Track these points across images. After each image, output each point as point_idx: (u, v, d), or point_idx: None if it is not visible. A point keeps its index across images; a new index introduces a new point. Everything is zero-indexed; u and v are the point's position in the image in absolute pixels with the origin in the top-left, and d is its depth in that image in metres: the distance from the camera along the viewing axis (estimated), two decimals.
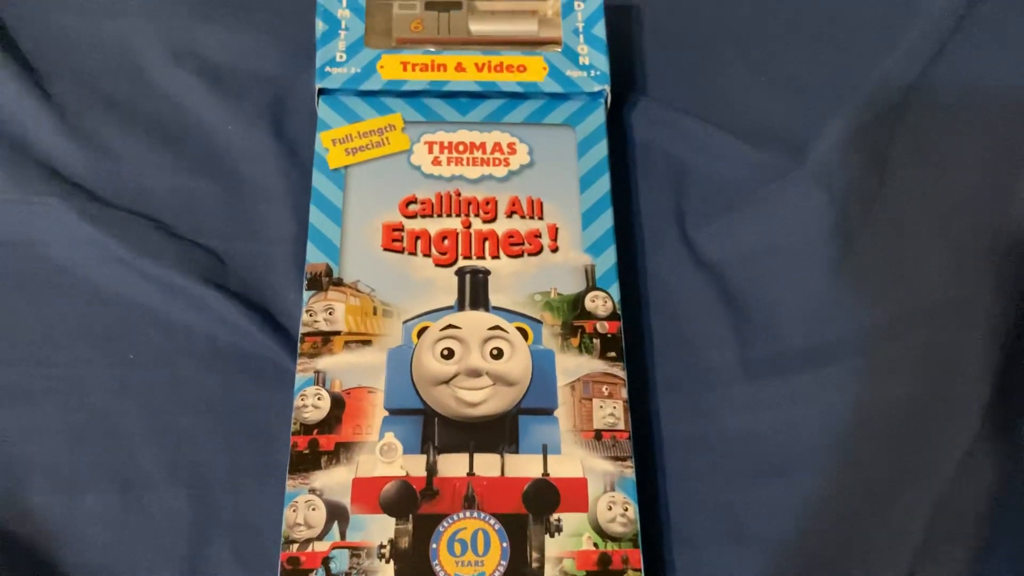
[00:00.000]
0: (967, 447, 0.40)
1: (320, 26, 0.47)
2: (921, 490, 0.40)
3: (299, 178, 0.47)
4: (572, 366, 0.40)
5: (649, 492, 0.40)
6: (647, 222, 0.47)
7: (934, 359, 0.43)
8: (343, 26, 0.47)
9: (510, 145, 0.46)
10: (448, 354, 0.40)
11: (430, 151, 0.45)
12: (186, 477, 0.40)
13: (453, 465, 0.38)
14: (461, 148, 0.45)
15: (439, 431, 0.39)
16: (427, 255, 0.43)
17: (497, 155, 0.45)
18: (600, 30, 0.48)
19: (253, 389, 0.42)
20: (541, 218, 0.44)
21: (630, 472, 0.38)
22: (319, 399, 0.39)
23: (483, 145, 0.46)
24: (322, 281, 0.42)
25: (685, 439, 0.42)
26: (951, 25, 0.52)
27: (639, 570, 0.36)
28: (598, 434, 0.39)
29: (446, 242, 0.43)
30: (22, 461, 0.40)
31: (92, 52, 0.50)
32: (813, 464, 0.41)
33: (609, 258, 0.43)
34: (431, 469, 0.38)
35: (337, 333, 0.41)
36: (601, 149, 0.46)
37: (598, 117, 0.47)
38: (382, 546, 0.36)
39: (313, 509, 0.37)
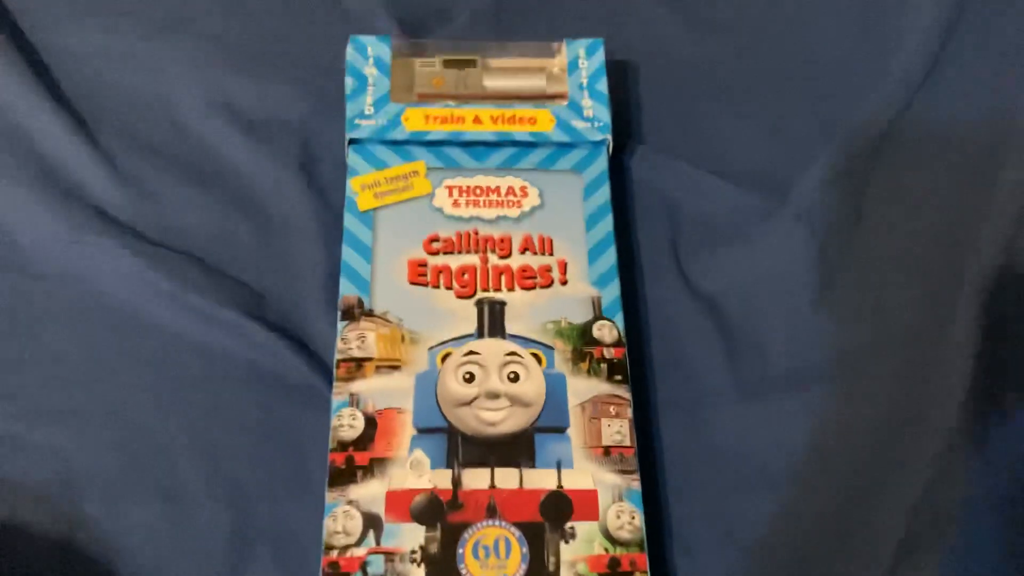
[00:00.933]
0: (940, 456, 0.44)
1: (350, 82, 0.52)
2: (898, 497, 0.44)
3: (328, 219, 0.51)
4: (582, 388, 0.44)
5: (652, 501, 0.44)
6: (646, 257, 0.52)
7: (908, 380, 0.47)
8: (370, 82, 0.52)
9: (522, 189, 0.50)
10: (469, 378, 0.44)
11: (450, 194, 0.50)
12: (226, 491, 0.44)
13: (476, 478, 0.42)
14: (478, 192, 0.50)
15: (463, 448, 0.43)
16: (449, 288, 0.47)
17: (511, 198, 0.50)
18: (603, 85, 0.53)
19: (289, 410, 0.46)
20: (551, 254, 0.48)
21: (636, 484, 0.42)
22: (354, 419, 0.43)
23: (498, 189, 0.50)
24: (355, 312, 0.46)
25: (684, 454, 0.46)
26: (925, 65, 0.57)
27: (645, 572, 0.40)
28: (607, 450, 0.43)
29: (466, 276, 0.47)
30: (76, 475, 0.44)
31: (135, 105, 0.55)
32: (798, 476, 0.45)
33: (613, 290, 0.47)
34: (456, 482, 0.42)
35: (369, 359, 0.45)
36: (604, 192, 0.51)
37: (601, 163, 0.52)
38: (413, 552, 0.40)
39: (351, 518, 0.41)
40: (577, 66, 0.54)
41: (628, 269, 0.51)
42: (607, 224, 0.49)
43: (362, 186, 0.50)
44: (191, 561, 0.42)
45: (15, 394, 0.46)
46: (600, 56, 0.54)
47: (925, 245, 0.51)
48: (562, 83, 0.54)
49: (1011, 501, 0.43)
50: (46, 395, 0.46)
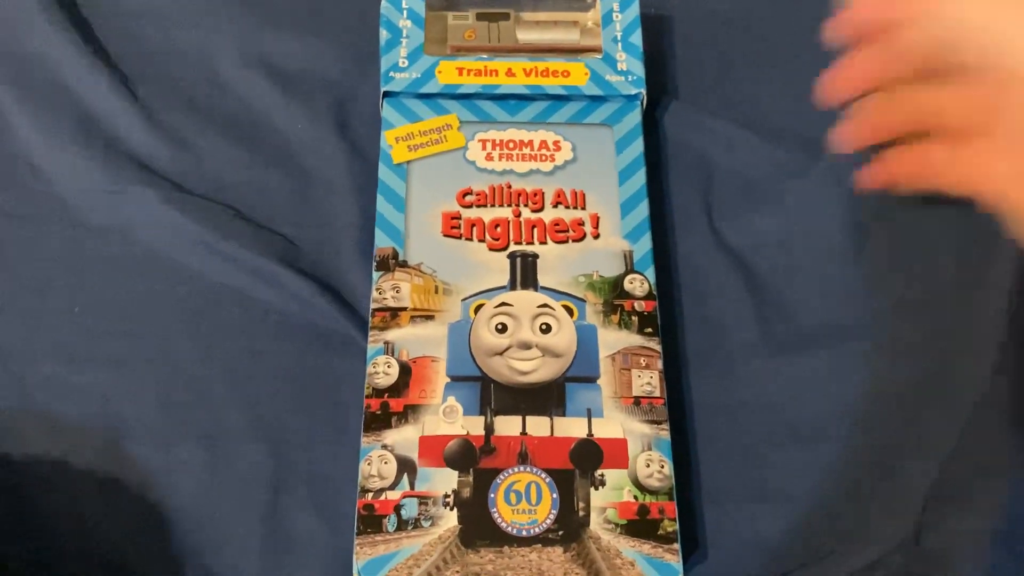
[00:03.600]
0: (969, 418, 0.44)
1: (384, 35, 0.52)
2: (927, 453, 0.44)
3: (361, 172, 0.51)
4: (613, 340, 0.45)
5: (682, 452, 0.45)
6: (678, 212, 0.51)
7: (940, 340, 0.47)
8: (404, 35, 0.52)
9: (555, 143, 0.50)
10: (502, 328, 0.45)
11: (483, 148, 0.50)
12: (265, 434, 0.45)
13: (508, 426, 0.43)
14: (511, 145, 0.50)
15: (495, 396, 0.43)
16: (482, 240, 0.47)
17: (544, 151, 0.50)
18: (637, 38, 0.53)
19: (324, 358, 0.47)
20: (584, 208, 0.49)
21: (665, 434, 0.43)
22: (389, 367, 0.44)
23: (531, 142, 0.50)
24: (389, 263, 0.47)
25: (713, 406, 0.46)
26: None
27: (674, 519, 0.41)
28: (636, 400, 0.44)
29: (499, 229, 0.48)
30: (121, 418, 0.45)
31: (173, 59, 0.56)
32: (827, 432, 0.45)
33: (645, 244, 0.48)
34: (489, 428, 0.42)
35: (403, 309, 0.45)
36: (637, 146, 0.50)
37: (634, 117, 0.51)
38: (446, 496, 0.41)
39: (385, 463, 0.42)
40: (611, 19, 0.54)
41: (660, 223, 0.51)
42: (640, 178, 0.49)
43: (396, 139, 0.50)
44: (231, 501, 0.44)
45: (63, 340, 0.47)
46: (635, 9, 0.54)
47: (960, 205, 0.50)
48: (596, 36, 0.53)
49: None
50: (92, 342, 0.47)
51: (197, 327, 0.48)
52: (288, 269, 0.48)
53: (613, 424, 0.43)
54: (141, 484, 0.44)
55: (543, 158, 0.50)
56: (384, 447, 0.42)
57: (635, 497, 0.41)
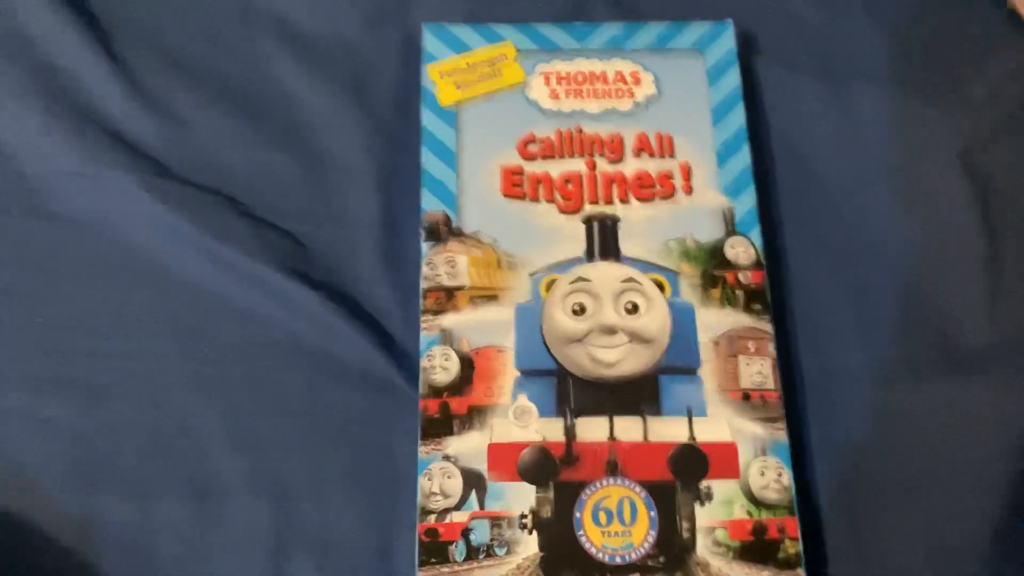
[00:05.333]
0: None
1: None
2: None
3: (383, 154, 0.43)
4: (714, 320, 0.38)
5: (801, 457, 0.38)
6: (783, 159, 0.43)
7: None
8: None
9: (633, 74, 0.42)
10: (580, 309, 0.37)
11: (547, 83, 0.41)
12: (266, 485, 0.38)
13: (592, 429, 0.36)
14: (580, 79, 0.42)
15: (575, 392, 0.36)
16: (550, 201, 0.39)
17: (620, 86, 0.41)
18: None
19: (341, 391, 0.39)
20: (672, 156, 0.40)
21: (782, 435, 0.36)
22: (447, 359, 0.37)
23: (604, 75, 0.42)
24: (440, 231, 0.39)
25: (834, 401, 0.39)
26: None
27: (796, 539, 0.34)
28: (746, 394, 0.36)
29: (570, 186, 0.40)
30: (98, 462, 0.38)
31: (162, 8, 0.46)
32: (960, 480, 0.38)
33: (748, 199, 0.40)
34: (570, 433, 0.36)
35: (461, 288, 0.38)
36: (733, 76, 0.42)
37: (727, 40, 0.43)
38: (523, 516, 0.35)
39: (449, 477, 0.35)
40: None
41: (767, 174, 0.42)
42: (738, 116, 0.41)
43: (441, 74, 0.41)
44: (223, 565, 0.36)
45: (26, 360, 0.39)
46: None
47: None
48: None
49: None
50: (60, 362, 0.39)
51: (184, 348, 0.39)
52: (295, 278, 0.40)
53: (719, 424, 0.36)
54: (118, 544, 0.36)
55: (620, 94, 0.41)
56: (446, 458, 0.35)
57: (749, 513, 0.35)
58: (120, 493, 0.37)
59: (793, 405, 0.39)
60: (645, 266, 0.38)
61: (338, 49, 0.45)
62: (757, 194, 0.40)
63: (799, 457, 0.38)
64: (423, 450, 0.36)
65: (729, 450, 0.36)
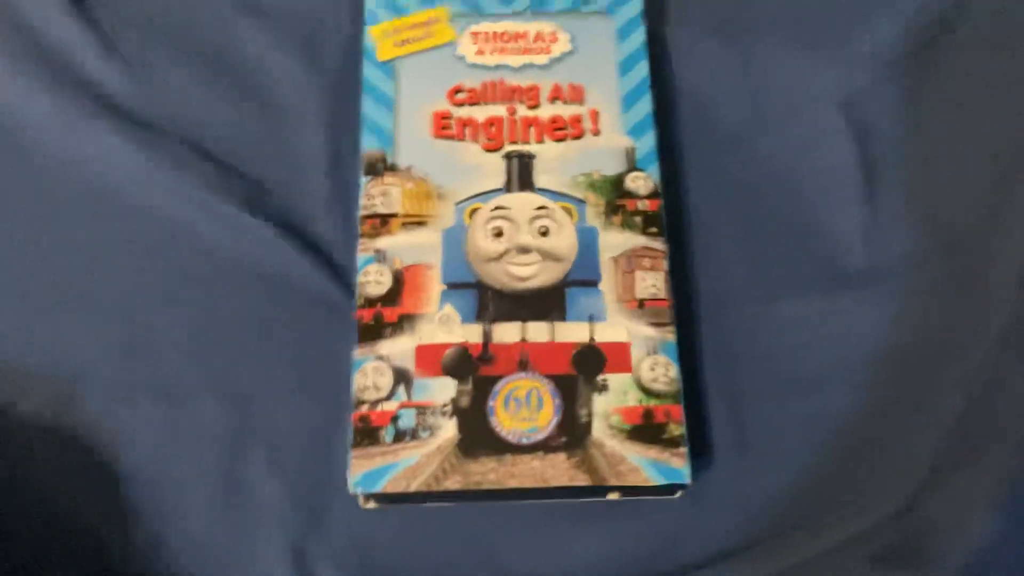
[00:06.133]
0: (983, 378, 0.41)
1: None
2: (933, 417, 0.41)
3: (330, 102, 0.48)
4: (615, 242, 0.43)
5: (689, 356, 0.43)
6: (685, 106, 0.48)
7: (956, 290, 0.44)
8: None
9: (551, 34, 0.47)
10: (499, 233, 0.43)
11: (475, 41, 0.47)
12: (225, 390, 0.42)
13: (507, 333, 0.41)
14: (504, 38, 0.47)
15: (493, 302, 0.42)
16: (475, 141, 0.45)
17: (539, 44, 0.47)
18: None
19: (291, 310, 0.44)
20: (583, 103, 0.46)
21: (671, 337, 0.41)
22: (381, 275, 0.42)
23: (525, 34, 0.47)
24: (378, 167, 0.44)
25: (724, 312, 0.44)
26: None
27: (680, 423, 0.39)
28: (640, 303, 0.42)
29: (493, 128, 0.45)
30: (78, 367, 0.43)
31: None
32: (836, 382, 0.42)
33: (649, 140, 0.45)
34: (487, 336, 0.41)
35: (394, 215, 0.43)
36: (639, 36, 0.47)
37: (636, 5, 0.48)
38: (444, 405, 0.40)
39: (381, 374, 0.40)
40: None
41: (664, 120, 0.47)
42: (642, 69, 0.46)
43: (382, 34, 0.47)
44: (188, 459, 0.41)
45: (18, 285, 0.44)
46: None
47: (981, 142, 0.47)
48: None
49: None
50: (49, 287, 0.44)
51: (157, 274, 0.45)
52: (254, 213, 0.45)
53: (616, 328, 0.41)
54: (95, 438, 0.41)
55: (539, 51, 0.47)
56: (379, 358, 0.40)
57: (640, 401, 0.40)
58: (96, 396, 0.42)
59: (688, 315, 0.44)
60: (556, 196, 0.44)
61: (292, 12, 0.50)
62: (657, 136, 0.45)
63: (691, 360, 0.43)
64: (359, 352, 0.41)
65: (624, 349, 0.41)
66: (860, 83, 0.48)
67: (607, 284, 0.42)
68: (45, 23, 0.49)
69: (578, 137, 0.45)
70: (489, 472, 0.38)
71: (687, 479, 0.39)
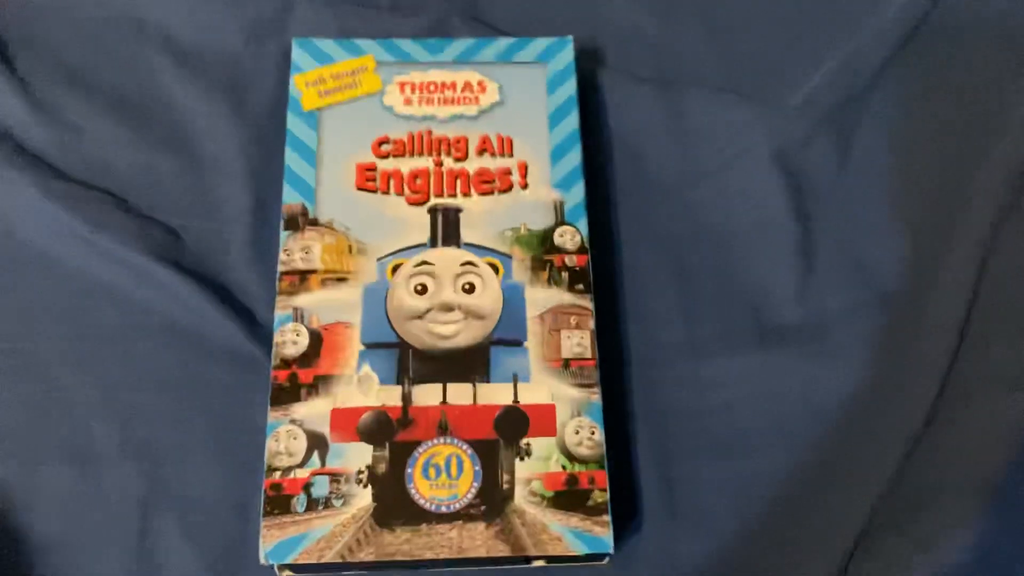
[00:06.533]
0: (913, 437, 0.41)
1: None
2: (864, 480, 0.40)
3: (257, 155, 0.46)
4: (541, 298, 0.42)
5: (615, 419, 0.42)
6: (618, 160, 0.48)
7: (888, 348, 0.43)
8: None
9: (480, 83, 0.46)
10: (422, 289, 0.41)
11: (402, 91, 0.46)
12: (138, 452, 0.41)
13: (428, 395, 0.40)
14: (432, 88, 0.46)
15: (414, 363, 0.40)
16: (400, 194, 0.44)
17: (468, 94, 0.46)
18: None
19: (206, 367, 0.42)
20: (511, 155, 0.45)
21: (596, 398, 0.40)
22: (298, 334, 0.41)
23: (454, 84, 0.46)
24: (298, 221, 0.43)
25: (655, 370, 0.43)
26: (917, 15, 0.50)
27: (605, 489, 0.38)
28: (566, 363, 0.40)
29: (418, 181, 0.44)
30: None
31: (58, 23, 0.50)
32: (767, 443, 0.42)
33: (578, 193, 0.44)
34: (406, 399, 0.39)
35: (314, 271, 0.42)
36: (570, 86, 0.46)
37: (567, 55, 0.47)
38: (360, 472, 0.38)
39: (294, 439, 0.39)
40: None
41: (596, 171, 0.47)
42: (572, 121, 0.46)
43: (306, 83, 0.46)
44: (98, 524, 0.40)
45: None
46: None
47: (915, 194, 0.46)
48: None
49: (980, 490, 0.39)
50: None
51: (69, 330, 0.43)
52: (171, 267, 0.43)
53: (541, 389, 0.40)
54: (1, 504, 0.40)
55: (467, 101, 0.46)
56: (292, 422, 0.39)
57: (563, 467, 0.38)
58: (4, 458, 0.40)
59: (617, 374, 0.43)
60: (482, 251, 0.43)
61: (220, 62, 0.49)
62: (586, 189, 0.44)
63: (621, 421, 0.42)
64: (272, 415, 0.39)
65: (548, 411, 0.39)
66: (794, 134, 0.48)
67: (532, 342, 0.41)
68: None
69: (506, 190, 0.44)
70: (404, 543, 0.37)
71: (610, 548, 0.37)
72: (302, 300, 0.41)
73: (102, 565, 0.39)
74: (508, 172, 0.44)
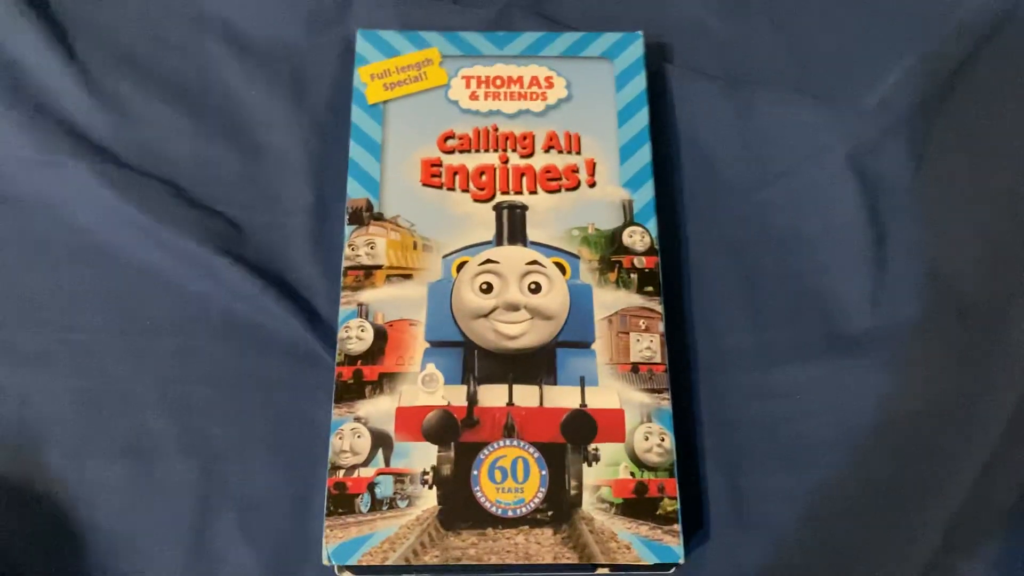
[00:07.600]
0: (989, 457, 0.39)
1: None
2: (937, 498, 0.39)
3: (317, 148, 0.46)
4: (610, 300, 0.41)
5: (685, 424, 0.41)
6: (686, 157, 0.46)
7: (968, 359, 0.42)
8: None
9: (547, 79, 0.45)
10: (487, 288, 0.41)
11: (467, 85, 0.45)
12: (195, 447, 0.40)
13: (493, 395, 0.39)
14: (498, 82, 0.45)
15: (479, 363, 0.39)
16: (465, 190, 0.43)
17: (535, 89, 0.45)
18: None
19: (266, 362, 0.42)
20: (579, 152, 0.44)
21: (667, 404, 0.39)
22: (363, 331, 0.40)
23: (520, 79, 0.45)
24: (363, 216, 0.42)
25: (723, 377, 0.42)
26: (998, 12, 0.49)
27: (675, 498, 0.37)
28: (635, 367, 0.40)
29: (484, 177, 0.43)
30: (40, 423, 0.40)
31: (117, 10, 0.49)
32: (837, 455, 0.40)
33: (647, 192, 0.43)
34: (472, 399, 0.39)
35: (379, 267, 0.41)
36: (639, 83, 0.45)
37: (636, 49, 0.46)
38: (425, 473, 0.37)
39: (359, 437, 0.38)
40: None
41: (666, 170, 0.46)
42: (642, 118, 0.44)
43: (371, 76, 0.45)
44: (154, 522, 0.39)
45: None
46: None
47: (993, 199, 0.45)
48: None
49: None
50: (10, 333, 0.42)
51: (126, 322, 0.42)
52: (231, 260, 0.43)
53: (609, 393, 0.39)
54: (57, 498, 0.39)
55: (534, 96, 0.45)
56: (357, 420, 0.38)
57: (632, 474, 0.38)
58: (61, 452, 0.40)
59: (686, 380, 0.42)
60: (549, 250, 0.42)
61: (280, 52, 0.48)
62: (656, 188, 0.43)
63: (688, 427, 0.41)
64: (336, 412, 0.39)
65: (617, 416, 0.39)
66: (868, 136, 0.46)
67: (600, 345, 0.40)
68: (22, 57, 0.47)
69: (573, 188, 0.43)
70: (470, 547, 0.36)
71: (681, 558, 0.36)
72: (366, 296, 0.41)
73: (158, 561, 0.39)
74: (575, 169, 0.43)
